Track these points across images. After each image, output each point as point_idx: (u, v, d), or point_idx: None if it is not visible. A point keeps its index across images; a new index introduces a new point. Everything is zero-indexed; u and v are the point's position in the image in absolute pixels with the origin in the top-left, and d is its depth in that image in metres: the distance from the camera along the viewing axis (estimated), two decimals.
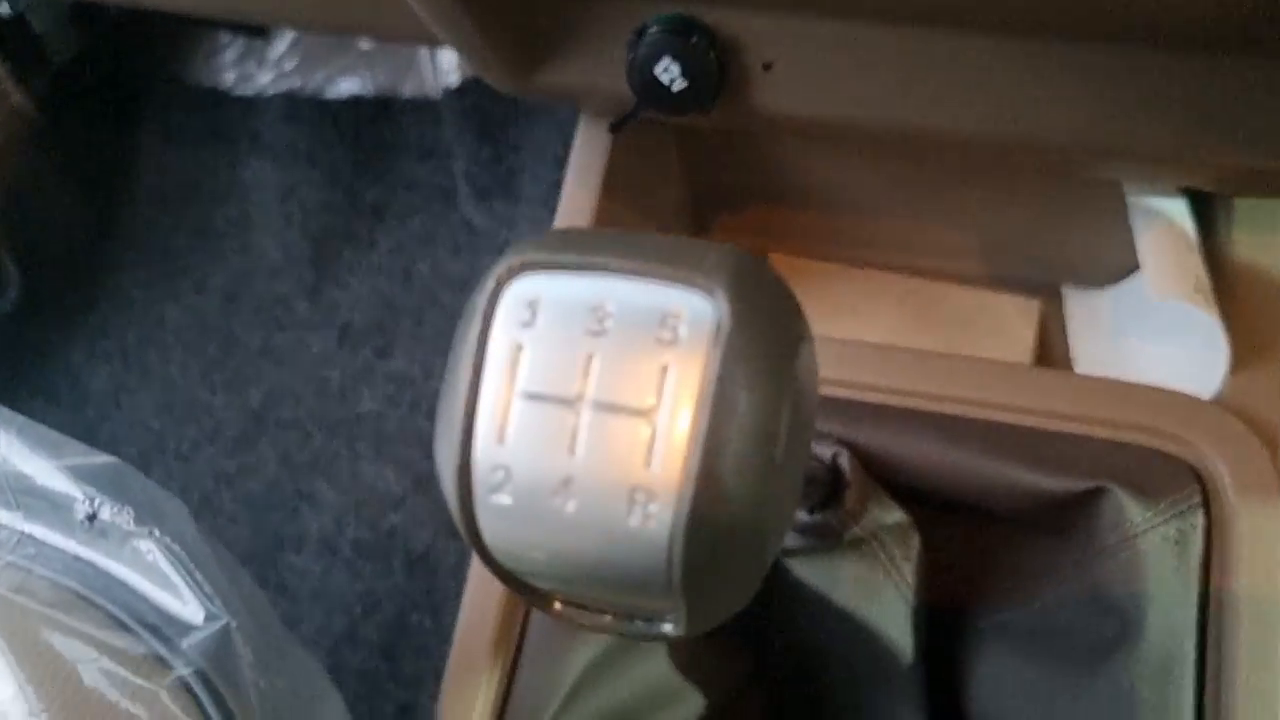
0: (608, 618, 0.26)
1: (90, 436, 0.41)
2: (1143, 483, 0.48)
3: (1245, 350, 0.50)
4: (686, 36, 0.46)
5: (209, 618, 0.36)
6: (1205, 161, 0.47)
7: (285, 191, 0.94)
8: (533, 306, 0.24)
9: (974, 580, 0.56)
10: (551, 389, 0.23)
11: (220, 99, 0.99)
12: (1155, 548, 0.47)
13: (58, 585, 0.36)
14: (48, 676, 0.32)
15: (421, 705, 0.78)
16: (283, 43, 0.97)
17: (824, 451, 0.49)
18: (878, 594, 0.50)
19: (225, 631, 0.36)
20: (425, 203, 0.93)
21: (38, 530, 0.38)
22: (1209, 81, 0.45)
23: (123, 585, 0.36)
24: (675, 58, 0.46)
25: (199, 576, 0.37)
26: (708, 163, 0.65)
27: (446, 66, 0.94)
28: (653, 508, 0.22)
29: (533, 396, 0.23)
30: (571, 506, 0.23)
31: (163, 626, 0.36)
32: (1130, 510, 0.47)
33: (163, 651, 0.34)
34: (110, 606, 0.35)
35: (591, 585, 0.25)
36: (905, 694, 0.52)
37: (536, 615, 0.51)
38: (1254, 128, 0.45)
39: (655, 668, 0.50)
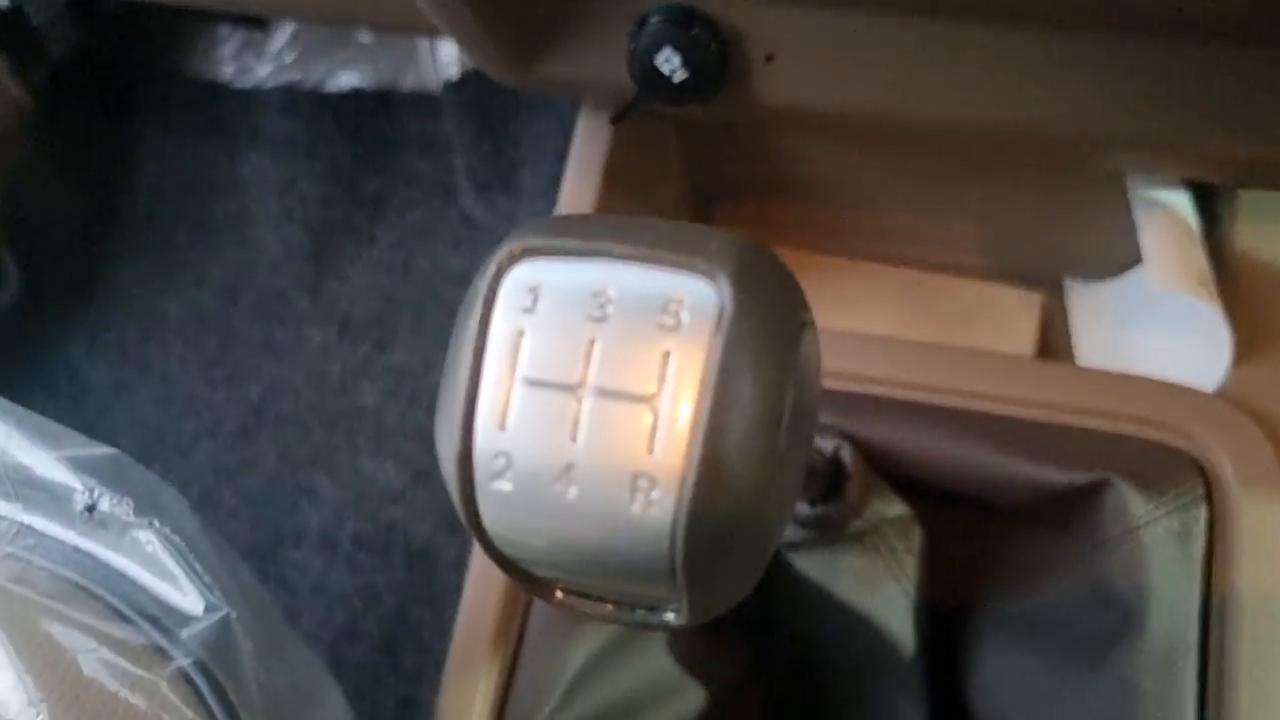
0: (609, 606, 0.26)
1: (89, 431, 0.41)
2: (1145, 475, 0.48)
3: (1248, 342, 0.50)
4: (688, 27, 0.46)
5: (209, 608, 0.36)
6: (1209, 152, 0.47)
7: (285, 185, 0.94)
8: (534, 292, 0.24)
9: (976, 573, 0.56)
10: (553, 375, 0.23)
11: (219, 92, 0.98)
12: (1158, 540, 0.47)
13: (57, 576, 0.35)
14: (47, 667, 0.32)
15: (422, 699, 0.78)
16: (282, 36, 0.97)
17: (825, 444, 0.48)
18: (879, 587, 0.50)
19: (225, 622, 0.36)
20: (425, 196, 0.93)
21: (37, 521, 0.37)
22: (1212, 71, 0.45)
23: (122, 576, 0.36)
24: (676, 48, 0.46)
25: (199, 567, 0.37)
26: (709, 155, 0.65)
27: (447, 59, 0.94)
28: (655, 494, 0.22)
29: (534, 383, 0.23)
30: (573, 493, 0.23)
31: (162, 617, 0.35)
32: (1133, 503, 0.47)
33: (162, 642, 0.34)
34: (110, 597, 0.35)
35: (593, 573, 0.25)
36: (907, 688, 0.52)
37: (537, 609, 0.51)
38: (1258, 118, 0.45)
39: (655, 661, 0.50)
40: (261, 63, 0.98)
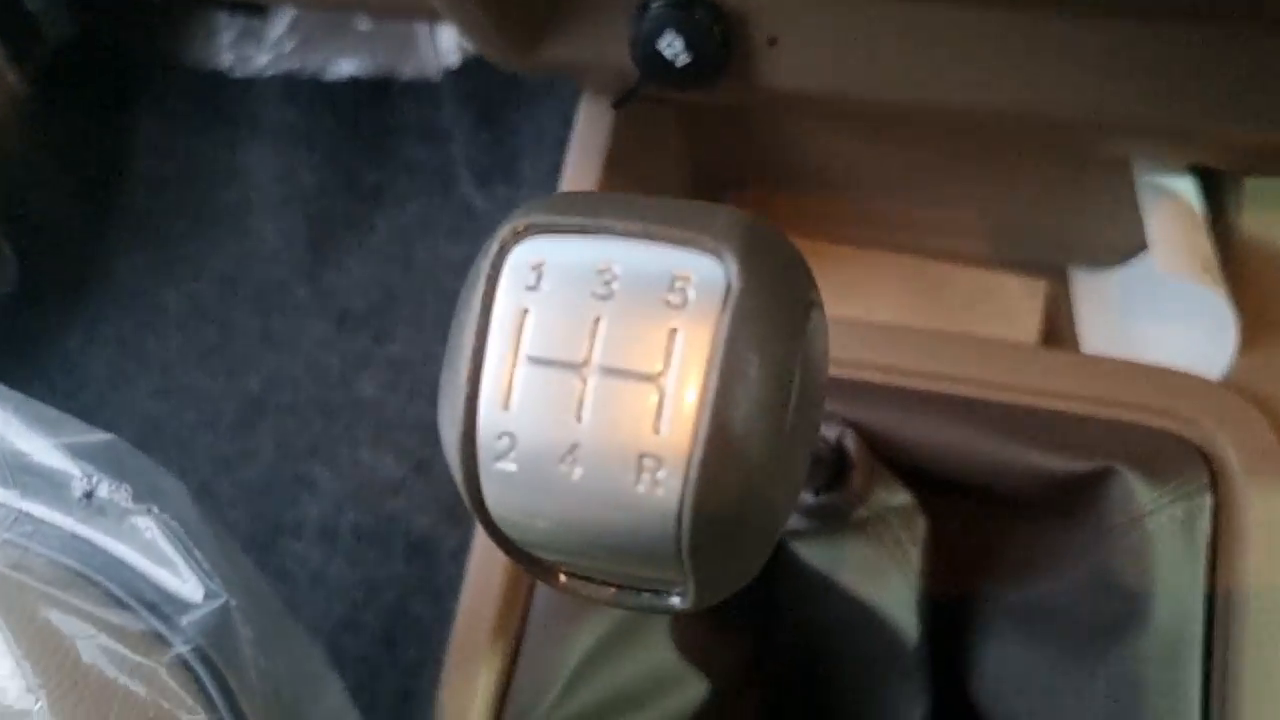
0: (613, 590, 0.26)
1: (88, 422, 0.40)
2: (1150, 464, 0.47)
3: (1254, 331, 0.50)
4: (690, 11, 0.46)
5: (208, 595, 0.36)
6: (1215, 137, 0.47)
7: (283, 174, 0.94)
8: (538, 270, 0.23)
9: (980, 563, 0.56)
10: (557, 353, 0.23)
11: (218, 80, 0.98)
12: (1163, 529, 0.47)
13: (55, 563, 0.35)
14: (46, 653, 0.31)
15: (422, 691, 0.78)
16: (281, 23, 0.97)
17: (829, 432, 0.48)
18: (883, 576, 0.50)
19: (225, 609, 0.36)
20: (425, 186, 0.92)
21: (35, 508, 0.37)
22: (1220, 57, 0.44)
23: (121, 563, 0.36)
24: (679, 32, 0.46)
25: (198, 554, 0.37)
26: (711, 143, 0.65)
27: (446, 47, 0.94)
28: (661, 474, 0.22)
29: (538, 361, 0.23)
30: (578, 473, 0.23)
31: (161, 604, 0.35)
32: (1138, 491, 0.47)
33: (161, 629, 0.34)
34: (108, 584, 0.35)
35: (598, 555, 0.24)
36: (910, 678, 0.51)
37: (538, 600, 0.51)
38: (1265, 103, 0.45)
39: (657, 652, 0.50)
40: (260, 51, 0.98)
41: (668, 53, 0.46)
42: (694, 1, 0.46)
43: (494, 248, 0.24)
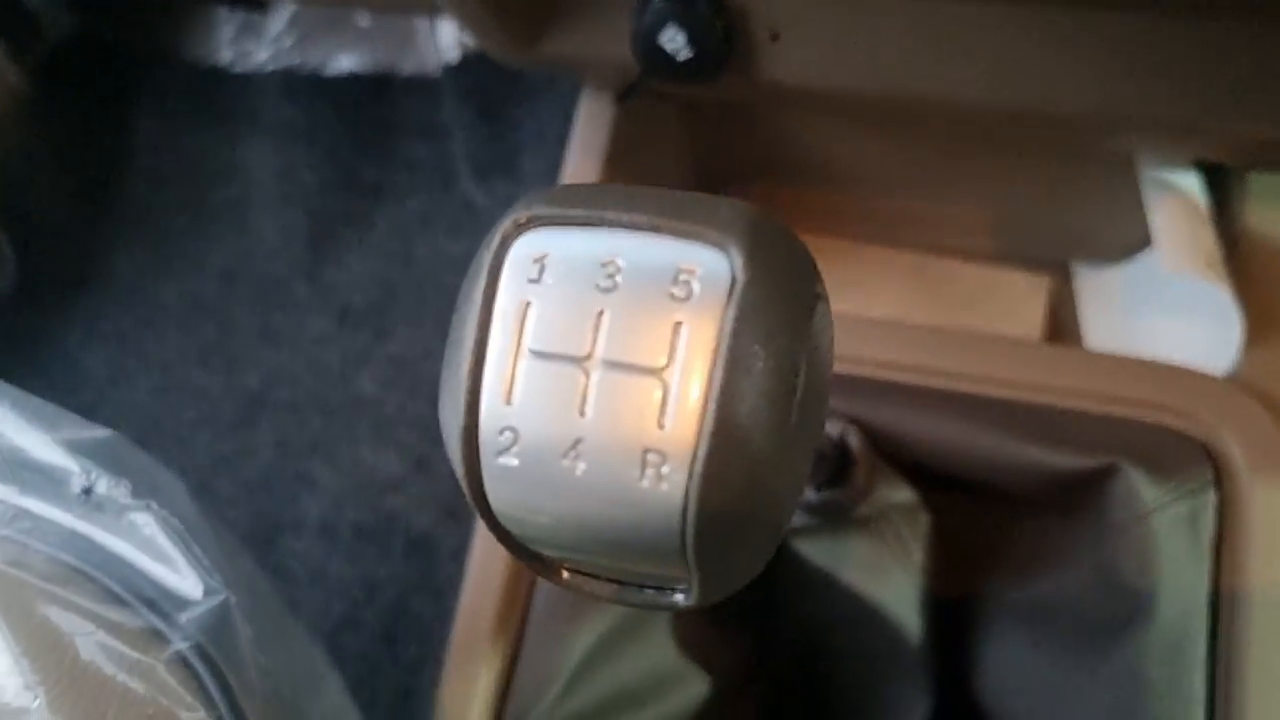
0: (616, 587, 0.26)
1: (87, 419, 0.40)
2: (1154, 460, 0.47)
3: (1259, 327, 0.50)
4: (692, 5, 0.45)
5: (208, 592, 0.36)
6: (1220, 132, 0.47)
7: (283, 171, 0.94)
8: (540, 262, 0.23)
9: (983, 560, 0.55)
10: (560, 347, 0.23)
11: (217, 76, 0.98)
12: (1167, 526, 0.46)
13: (54, 559, 0.35)
14: (44, 650, 0.31)
15: (422, 689, 0.78)
16: (280, 19, 0.96)
17: (831, 428, 0.48)
18: (885, 574, 0.50)
19: (224, 606, 0.36)
20: (425, 182, 0.92)
21: (33, 504, 0.37)
22: (1225, 51, 0.44)
23: (119, 559, 0.36)
24: (681, 26, 0.45)
25: (197, 550, 0.36)
26: (712, 139, 0.64)
27: (446, 43, 0.93)
28: (666, 469, 0.22)
29: (541, 355, 0.23)
30: (581, 469, 0.22)
31: (160, 601, 0.35)
32: (1142, 488, 0.47)
33: (160, 626, 0.34)
34: (107, 580, 0.35)
35: (601, 551, 0.24)
36: (912, 676, 0.51)
37: (539, 598, 0.51)
38: (1270, 97, 0.44)
39: (658, 650, 0.50)
40: (260, 47, 0.97)
41: (669, 47, 0.46)
42: None
43: (496, 240, 0.24)
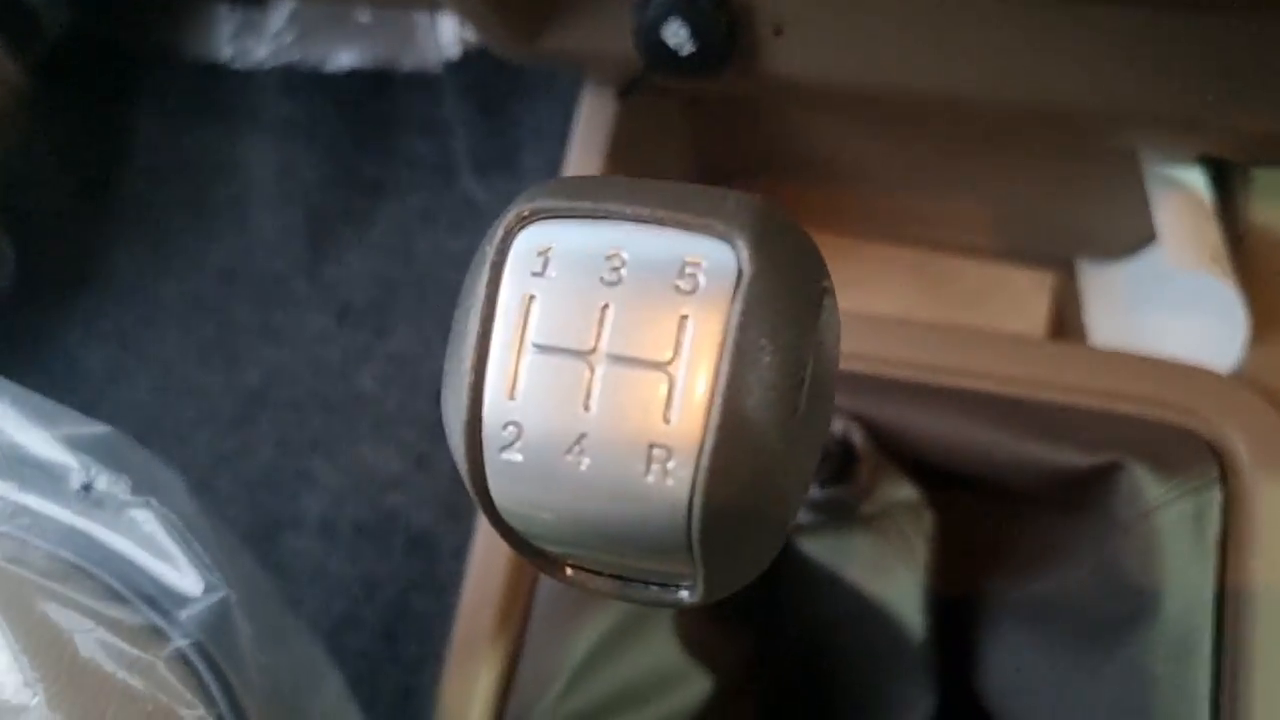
0: (620, 583, 0.25)
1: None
2: (1159, 458, 0.47)
3: (1264, 323, 0.50)
4: None
5: (208, 589, 0.35)
6: (1225, 127, 0.46)
7: (283, 168, 0.93)
8: (544, 255, 0.23)
9: (987, 558, 0.55)
10: (564, 341, 0.22)
11: (217, 73, 0.97)
12: (1172, 524, 0.46)
13: (53, 555, 0.35)
14: (44, 646, 0.31)
15: (423, 687, 0.78)
16: (281, 15, 0.96)
17: (835, 426, 0.48)
18: (889, 571, 0.50)
19: (224, 604, 0.36)
20: (425, 179, 0.92)
21: (33, 500, 0.37)
22: (1228, 44, 0.44)
23: (119, 556, 0.35)
24: (684, 21, 0.45)
25: (197, 547, 0.36)
26: (715, 134, 0.64)
27: (447, 39, 0.93)
28: (671, 464, 0.21)
29: (545, 349, 0.22)
30: (585, 464, 0.22)
31: (160, 598, 0.35)
32: (1147, 486, 0.47)
33: (160, 623, 0.34)
34: (106, 577, 0.34)
35: (605, 547, 0.24)
36: (915, 674, 0.51)
37: (540, 595, 0.50)
38: (1274, 91, 0.44)
39: (661, 648, 0.50)
40: (260, 43, 0.97)
41: (672, 41, 0.46)
42: None
43: (499, 233, 0.23)
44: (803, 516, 0.49)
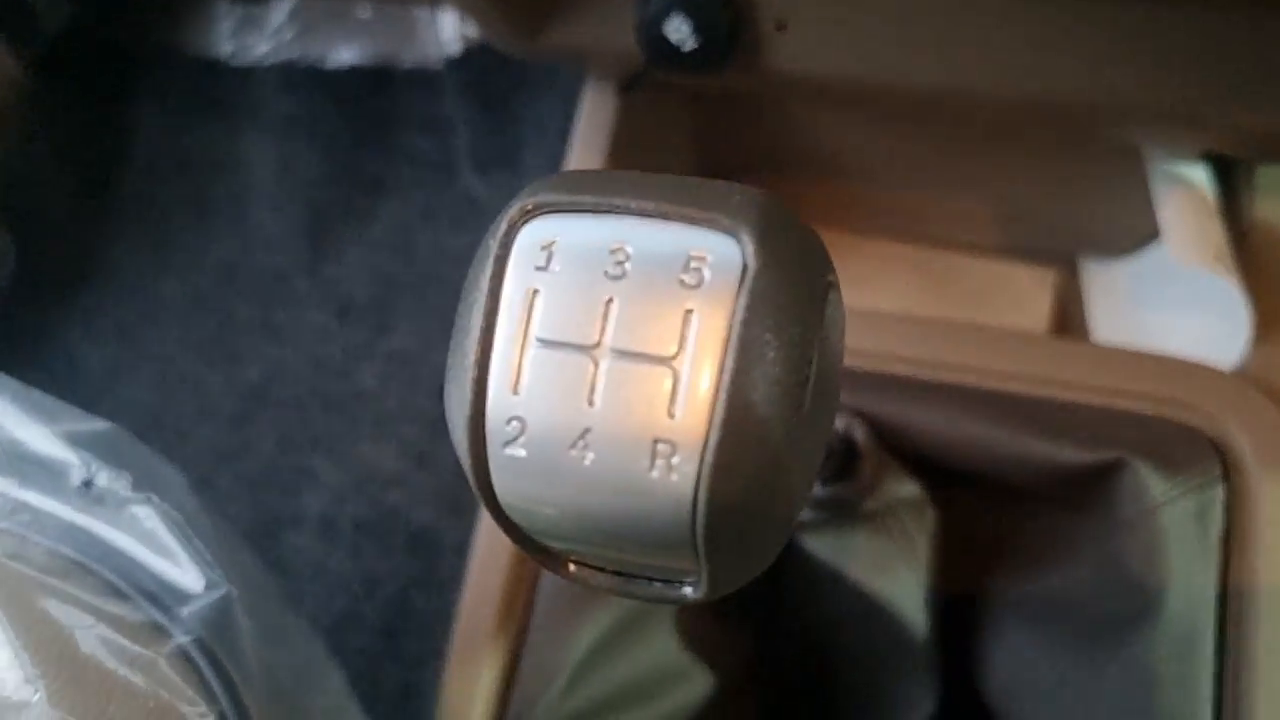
0: (623, 579, 0.25)
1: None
2: (1162, 455, 0.47)
3: (1267, 320, 0.50)
4: None
5: (209, 586, 0.35)
6: (1228, 124, 0.46)
7: (283, 164, 0.93)
8: (548, 249, 0.23)
9: (989, 556, 0.55)
10: (568, 335, 0.22)
11: (217, 69, 0.97)
12: (1175, 522, 0.46)
13: (54, 552, 0.35)
14: (44, 643, 0.31)
15: (424, 685, 0.78)
16: (281, 11, 0.96)
17: (837, 422, 0.48)
18: (891, 569, 0.50)
19: (226, 600, 0.35)
20: (426, 176, 0.92)
21: (33, 497, 0.37)
22: (1233, 40, 0.44)
23: (120, 552, 0.35)
24: (686, 16, 0.45)
25: (198, 544, 0.36)
26: (717, 130, 0.64)
27: (448, 35, 0.93)
28: (676, 459, 0.21)
29: (549, 343, 0.22)
30: (590, 459, 0.22)
31: (161, 594, 0.35)
32: (1150, 484, 0.47)
33: (161, 619, 0.34)
34: (107, 573, 0.34)
35: (609, 543, 0.24)
36: (918, 673, 0.51)
37: (542, 593, 0.50)
38: (1277, 88, 0.44)
39: (662, 646, 0.50)
40: (260, 39, 0.97)
41: (674, 37, 0.45)
42: None
43: (502, 227, 0.23)
44: (805, 514, 0.48)
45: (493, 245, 0.23)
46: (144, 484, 0.37)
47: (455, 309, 0.24)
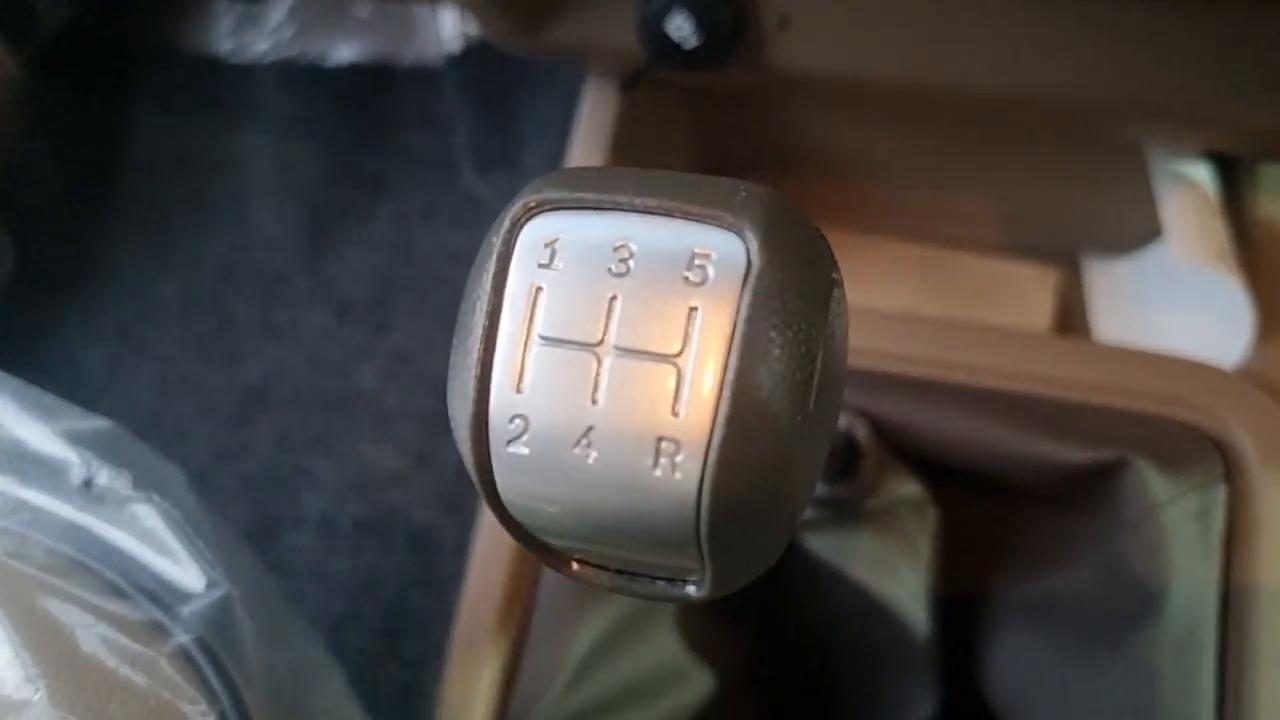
0: (626, 578, 0.25)
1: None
2: (1164, 454, 0.47)
3: (1270, 319, 0.50)
4: None
5: (210, 585, 0.35)
6: (1231, 122, 0.46)
7: (283, 163, 0.93)
8: (552, 246, 0.23)
9: (991, 555, 0.55)
10: (572, 333, 0.22)
11: (216, 67, 0.97)
12: (1177, 521, 0.46)
13: (54, 550, 0.34)
14: (45, 642, 0.31)
15: (424, 685, 0.77)
16: (280, 9, 0.96)
17: (839, 421, 0.47)
18: (893, 569, 0.50)
19: (226, 599, 0.35)
20: (426, 174, 0.92)
21: (33, 495, 0.37)
22: (1236, 37, 0.44)
23: (120, 551, 0.35)
24: (688, 13, 0.45)
25: (199, 543, 0.36)
26: (719, 128, 0.64)
27: (448, 33, 0.93)
28: (680, 458, 0.21)
29: (552, 341, 0.22)
30: (593, 457, 0.22)
31: (161, 593, 0.34)
32: (1152, 483, 0.46)
33: (162, 618, 0.33)
34: (108, 572, 0.34)
35: (612, 541, 0.24)
36: (919, 672, 0.51)
37: (543, 592, 0.50)
38: None
39: (663, 645, 0.49)
40: (259, 37, 0.97)
41: (676, 34, 0.45)
42: None
43: (505, 224, 0.23)
44: (807, 513, 0.48)
45: (496, 242, 0.23)
46: (144, 482, 0.37)
47: (456, 308, 0.24)
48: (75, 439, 0.38)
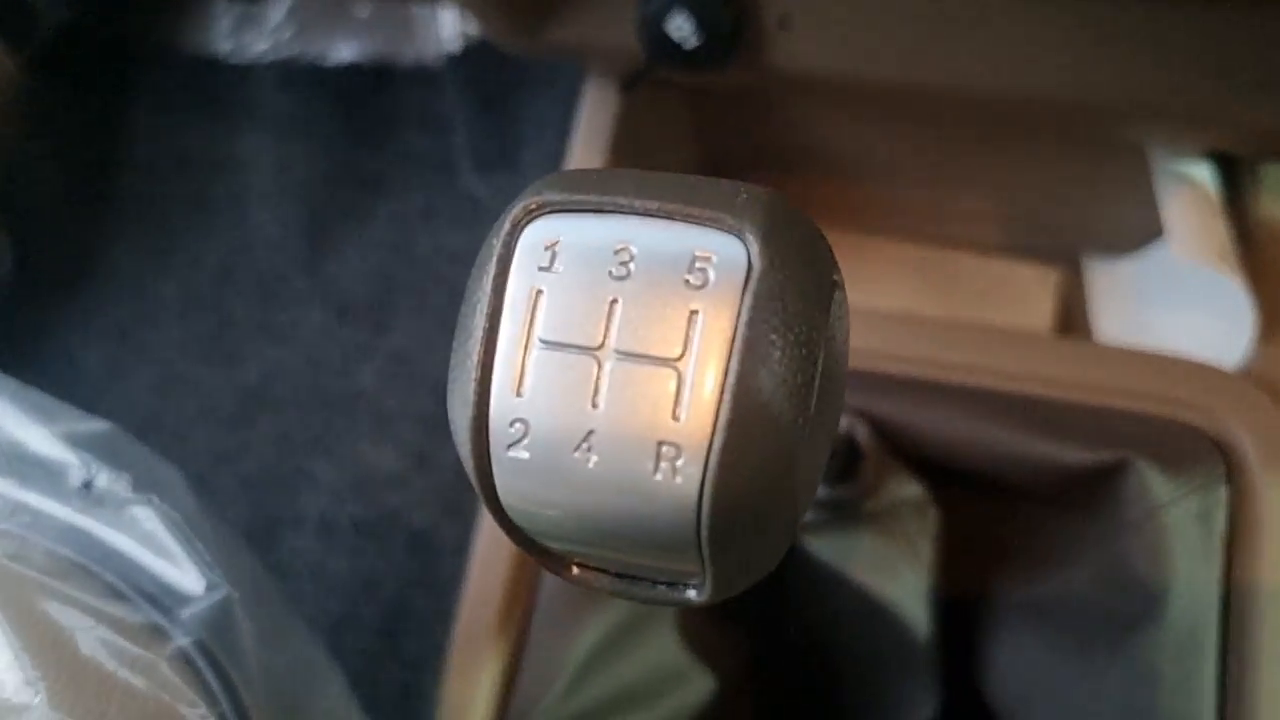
0: (626, 582, 0.25)
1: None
2: (1166, 455, 0.47)
3: (1272, 320, 0.49)
4: None
5: (210, 587, 0.35)
6: (1233, 122, 0.46)
7: (282, 163, 0.93)
8: (552, 249, 0.23)
9: (992, 557, 0.55)
10: (572, 336, 0.22)
11: (215, 67, 0.97)
12: (1179, 522, 0.46)
13: (54, 553, 0.34)
14: (44, 645, 0.31)
15: (424, 686, 0.77)
16: (279, 9, 0.96)
17: (840, 423, 0.47)
18: (893, 570, 0.49)
19: (226, 602, 0.35)
20: (426, 174, 0.91)
21: (33, 498, 0.36)
22: (1237, 39, 0.44)
23: (120, 553, 0.35)
24: (689, 13, 0.45)
25: (198, 545, 0.36)
26: (719, 128, 0.64)
27: (447, 33, 0.93)
28: (680, 462, 0.21)
29: (553, 345, 0.22)
30: (593, 461, 0.22)
31: (161, 596, 0.34)
32: (1153, 484, 0.46)
33: (161, 621, 0.33)
34: (107, 575, 0.34)
35: (613, 545, 0.23)
36: (920, 674, 0.51)
37: (543, 593, 0.50)
38: None
39: (663, 647, 0.49)
40: (258, 37, 0.96)
41: (676, 34, 0.45)
42: None
43: (506, 226, 0.23)
44: (807, 514, 0.48)
45: (496, 245, 0.23)
46: (144, 485, 0.37)
47: (456, 309, 0.24)
48: (75, 441, 0.38)
